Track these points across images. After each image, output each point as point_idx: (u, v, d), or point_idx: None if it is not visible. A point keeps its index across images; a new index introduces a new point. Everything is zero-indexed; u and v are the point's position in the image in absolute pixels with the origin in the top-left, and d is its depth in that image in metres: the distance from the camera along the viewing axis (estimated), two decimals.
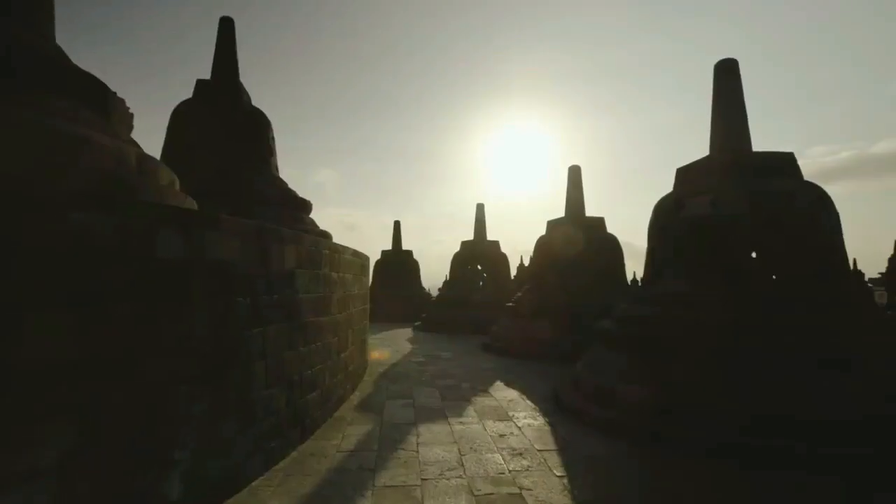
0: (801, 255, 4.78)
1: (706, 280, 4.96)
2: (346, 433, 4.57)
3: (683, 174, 5.93)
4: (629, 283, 12.68)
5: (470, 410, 5.45)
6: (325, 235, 8.25)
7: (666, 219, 5.51)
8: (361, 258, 6.96)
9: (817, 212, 4.87)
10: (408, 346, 11.01)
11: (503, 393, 6.34)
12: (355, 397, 5.96)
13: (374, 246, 22.10)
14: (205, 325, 3.01)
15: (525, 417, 5.16)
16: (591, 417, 4.83)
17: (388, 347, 10.74)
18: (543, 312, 10.03)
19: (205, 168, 7.97)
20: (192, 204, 4.12)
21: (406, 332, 14.03)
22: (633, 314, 5.46)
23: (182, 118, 8.42)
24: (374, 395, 6.10)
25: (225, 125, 8.43)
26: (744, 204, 4.95)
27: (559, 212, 11.31)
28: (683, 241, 5.23)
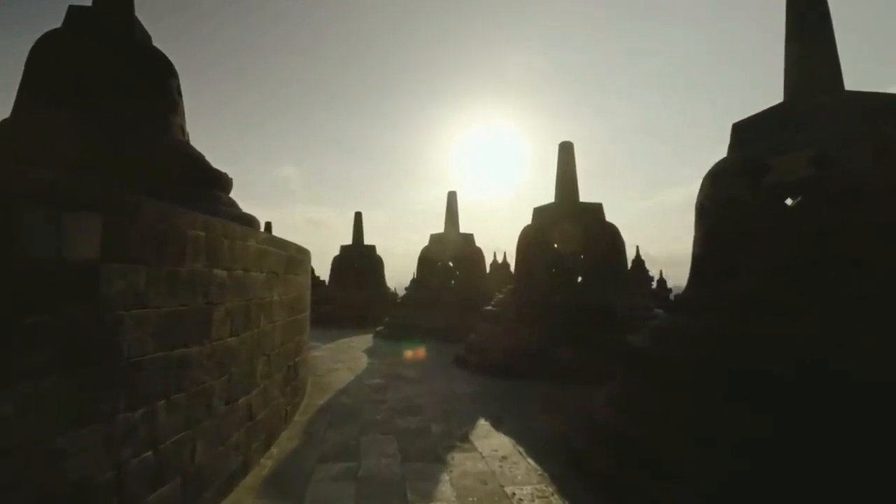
0: None
1: (814, 276, 3.17)
2: None
3: (749, 128, 4.14)
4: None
5: (444, 483, 3.49)
6: (249, 221, 6.10)
7: (735, 190, 3.70)
8: (287, 249, 4.88)
9: None
10: (364, 361, 8.96)
11: (490, 442, 4.41)
12: (268, 462, 3.89)
13: (341, 243, 19.90)
14: None
15: (532, 498, 3.25)
16: (644, 501, 2.96)
17: (339, 363, 8.65)
18: (531, 316, 8.19)
19: (76, 127, 5.71)
20: None
21: (365, 340, 11.95)
22: (691, 330, 3.62)
23: (46, 58, 6.09)
24: (300, 455, 4.05)
25: (109, 69, 6.15)
26: (872, 157, 3.18)
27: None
28: (770, 220, 3.42)
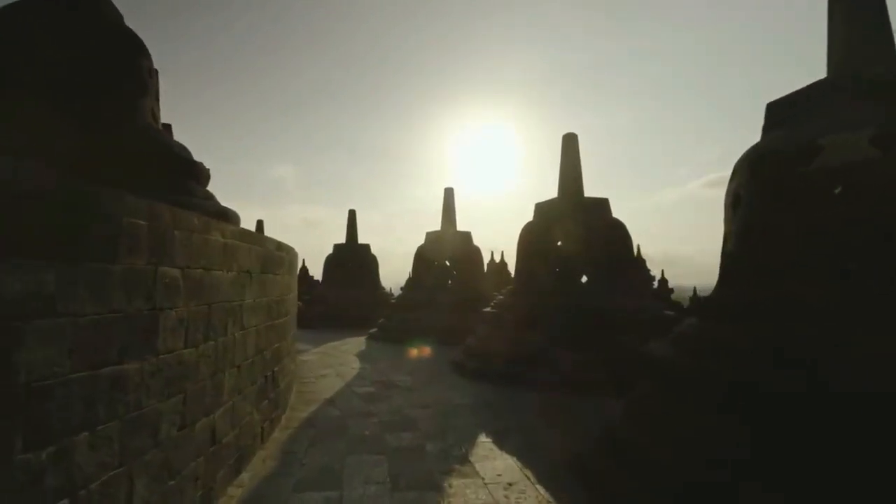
0: None
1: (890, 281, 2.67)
2: None
3: (787, 107, 3.65)
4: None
5: None
6: (226, 216, 5.54)
7: (781, 175, 3.19)
8: (264, 245, 4.35)
9: None
10: (355, 365, 8.42)
11: (493, 464, 3.89)
12: (237, 491, 3.35)
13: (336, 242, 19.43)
14: None
15: None
16: None
17: (328, 368, 8.11)
18: (533, 319, 7.68)
19: (34, 112, 5.15)
20: None
21: (358, 343, 11.40)
22: (728, 339, 3.11)
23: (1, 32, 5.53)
24: (275, 482, 3.51)
25: (71, 45, 5.60)
26: None
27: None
28: (829, 210, 2.92)
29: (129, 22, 6.20)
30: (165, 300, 2.55)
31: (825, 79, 3.59)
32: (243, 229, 3.83)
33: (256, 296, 4.04)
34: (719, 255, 3.88)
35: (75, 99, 5.31)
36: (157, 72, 8.45)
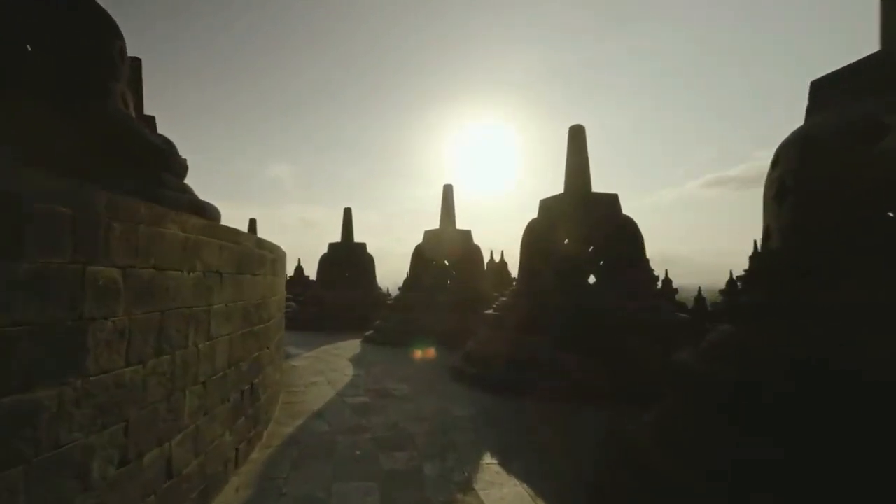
0: None
1: None
2: None
3: (836, 85, 3.17)
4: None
5: None
6: (203, 210, 5.03)
7: (843, 160, 2.71)
8: (240, 241, 3.84)
9: None
10: (349, 372, 7.92)
11: (500, 491, 3.40)
12: None
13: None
14: None
15: None
16: None
17: (319, 375, 7.60)
18: (536, 322, 7.19)
19: None
20: None
21: (353, 346, 10.90)
22: (771, 347, 2.63)
23: None
24: None
25: (35, 22, 5.10)
26: None
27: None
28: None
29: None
30: (98, 307, 2.06)
31: (880, 52, 3.12)
32: (212, 223, 3.33)
33: (229, 299, 3.54)
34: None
35: (33, 77, 4.80)
36: (139, 60, 7.92)
